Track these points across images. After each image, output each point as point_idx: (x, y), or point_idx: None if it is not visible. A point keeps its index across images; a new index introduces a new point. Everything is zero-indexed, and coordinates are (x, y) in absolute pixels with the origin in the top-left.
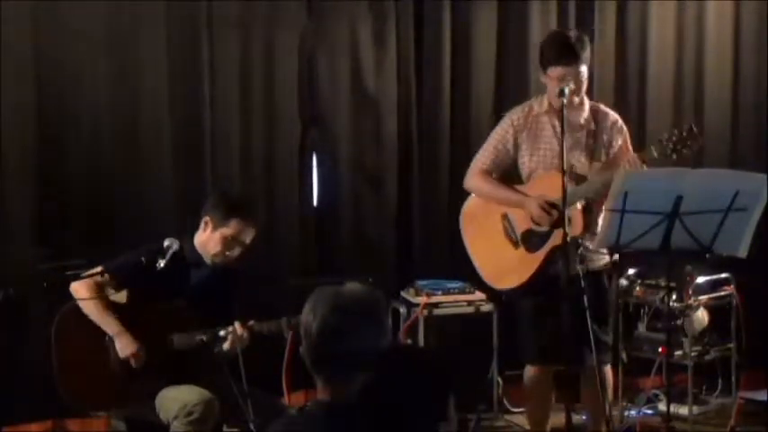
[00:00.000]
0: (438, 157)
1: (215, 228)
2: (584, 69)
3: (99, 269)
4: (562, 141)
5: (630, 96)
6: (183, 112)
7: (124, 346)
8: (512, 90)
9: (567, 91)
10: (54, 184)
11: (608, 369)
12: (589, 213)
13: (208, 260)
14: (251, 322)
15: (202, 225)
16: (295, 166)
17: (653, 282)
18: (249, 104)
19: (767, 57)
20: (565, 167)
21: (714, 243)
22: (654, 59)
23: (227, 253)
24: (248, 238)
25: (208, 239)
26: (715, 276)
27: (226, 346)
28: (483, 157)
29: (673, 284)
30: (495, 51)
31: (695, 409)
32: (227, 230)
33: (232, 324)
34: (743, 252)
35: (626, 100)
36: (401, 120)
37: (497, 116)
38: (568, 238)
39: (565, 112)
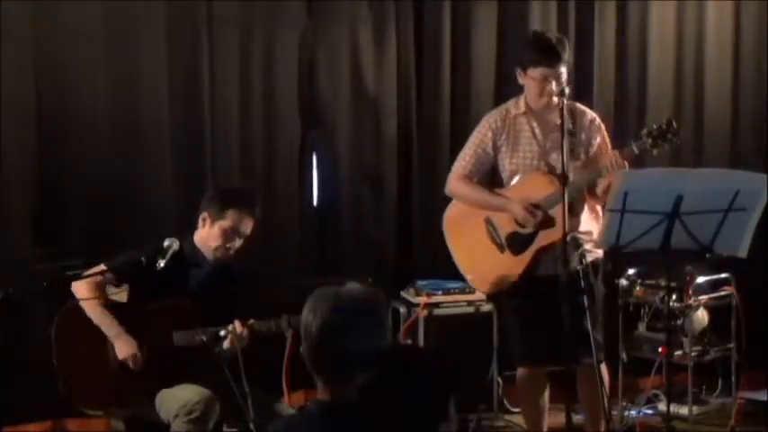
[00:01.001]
0: (438, 157)
1: (213, 222)
2: (564, 70)
3: (100, 267)
4: (562, 141)
5: (630, 96)
6: (183, 112)
7: (122, 348)
8: (512, 90)
9: (567, 91)
10: (54, 183)
11: (603, 367)
12: (572, 212)
13: (209, 256)
14: (251, 321)
15: (200, 222)
16: (295, 166)
17: (653, 282)
18: (249, 104)
19: (767, 57)
20: (553, 166)
21: (714, 243)
22: (654, 59)
23: (228, 245)
24: (247, 228)
25: (207, 235)
26: (715, 276)
27: (225, 344)
28: (464, 162)
29: (673, 284)
30: (495, 51)
31: (695, 409)
32: (226, 222)
33: (232, 323)
34: (743, 252)
35: (626, 100)
36: (401, 120)
37: None
38: (568, 238)
39: (565, 111)
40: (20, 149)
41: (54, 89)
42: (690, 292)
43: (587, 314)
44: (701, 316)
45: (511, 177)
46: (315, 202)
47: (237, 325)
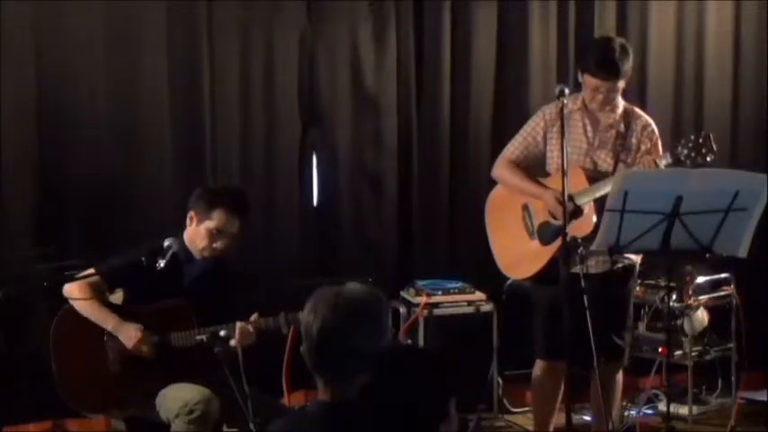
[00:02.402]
0: (438, 157)
1: (199, 222)
2: (621, 84)
3: (92, 270)
4: (562, 142)
5: (631, 96)
6: (183, 112)
7: (128, 336)
8: (512, 90)
9: (566, 91)
10: (54, 184)
11: (620, 375)
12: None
13: (197, 255)
14: (253, 317)
15: (188, 220)
16: (295, 166)
17: (653, 282)
18: (249, 104)
19: (767, 57)
20: (597, 164)
21: (714, 243)
22: (654, 59)
23: (214, 245)
24: (234, 228)
25: (195, 234)
26: (715, 276)
27: (233, 342)
28: (513, 148)
29: (673, 284)
30: (495, 51)
31: (695, 409)
32: (211, 223)
33: (228, 321)
34: (743, 252)
35: (626, 100)
36: (401, 120)
37: (497, 116)
38: (568, 238)
39: (565, 112)
40: (20, 149)
41: (54, 89)
42: (690, 292)
43: (587, 317)
44: (701, 316)
45: (557, 170)
46: (315, 202)
47: (243, 323)
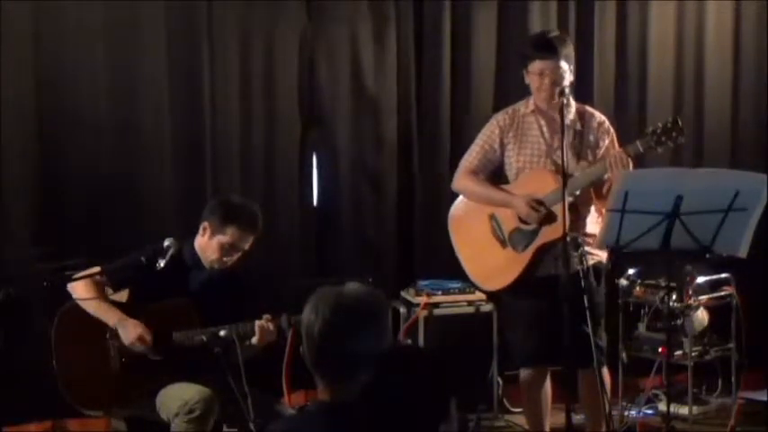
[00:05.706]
0: (438, 157)
1: (213, 234)
2: (563, 65)
3: (97, 269)
4: (562, 139)
5: (630, 96)
6: (183, 112)
7: (128, 331)
8: (512, 90)
9: (567, 90)
10: (54, 184)
11: (605, 370)
12: (575, 212)
13: (206, 264)
14: (283, 317)
15: (201, 230)
16: (295, 166)
17: (653, 282)
18: (249, 104)
19: (767, 56)
20: (559, 164)
21: (714, 243)
22: (654, 59)
23: (225, 259)
24: (246, 244)
25: (206, 245)
26: (715, 276)
27: (254, 340)
28: (470, 158)
29: (673, 284)
30: (495, 51)
31: (695, 409)
32: (225, 238)
33: (230, 324)
34: (743, 252)
35: (626, 100)
36: (401, 120)
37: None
38: (568, 238)
39: (565, 111)
40: (20, 149)
41: (54, 89)
42: (690, 292)
43: (587, 317)
44: (701, 316)
45: (517, 175)
46: (315, 202)
47: (264, 321)
